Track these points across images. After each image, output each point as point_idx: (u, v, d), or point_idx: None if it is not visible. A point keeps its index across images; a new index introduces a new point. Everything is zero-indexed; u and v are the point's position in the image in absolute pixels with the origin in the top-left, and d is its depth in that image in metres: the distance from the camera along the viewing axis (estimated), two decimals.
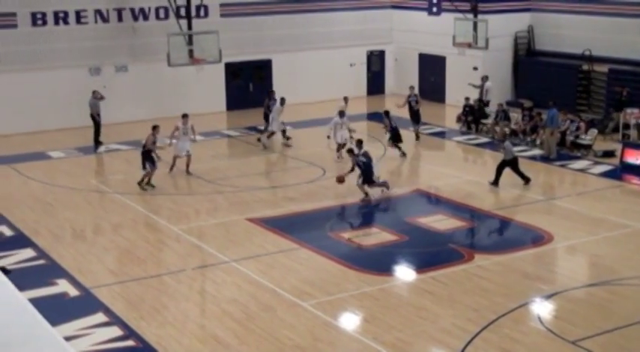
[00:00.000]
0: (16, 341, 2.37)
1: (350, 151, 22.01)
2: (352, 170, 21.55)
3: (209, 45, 28.31)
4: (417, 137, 28.22)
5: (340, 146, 25.52)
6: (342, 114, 26.07)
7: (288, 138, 27.74)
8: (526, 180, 22.53)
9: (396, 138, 25.78)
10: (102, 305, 14.85)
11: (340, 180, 21.51)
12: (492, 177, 22.50)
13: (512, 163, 22.66)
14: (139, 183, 22.62)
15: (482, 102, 30.56)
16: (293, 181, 23.45)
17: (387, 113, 26.39)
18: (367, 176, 21.26)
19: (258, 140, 27.91)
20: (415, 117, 28.45)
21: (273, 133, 27.63)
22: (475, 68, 33.45)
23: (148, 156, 22.58)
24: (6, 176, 24.34)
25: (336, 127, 25.89)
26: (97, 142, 28.04)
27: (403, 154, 25.68)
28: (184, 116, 24.27)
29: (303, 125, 30.72)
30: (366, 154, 21.69)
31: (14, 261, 17.05)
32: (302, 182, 23.32)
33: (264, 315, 14.36)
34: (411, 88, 29.19)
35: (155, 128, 22.98)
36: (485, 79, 31.52)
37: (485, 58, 32.93)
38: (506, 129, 28.40)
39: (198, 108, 32.07)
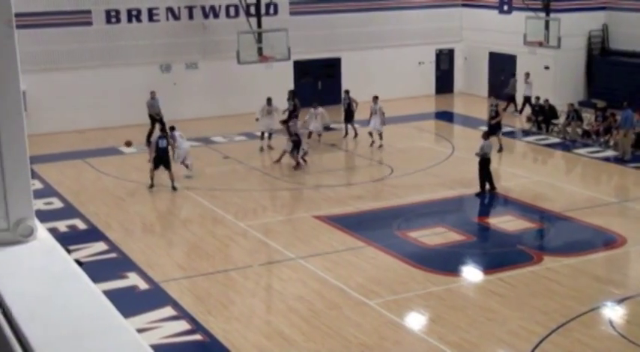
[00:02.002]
0: (90, 332, 2.40)
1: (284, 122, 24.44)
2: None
3: (278, 43, 28.47)
4: (501, 148, 26.28)
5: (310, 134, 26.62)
6: (269, 101, 26.88)
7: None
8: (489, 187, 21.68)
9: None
10: (170, 299, 15.05)
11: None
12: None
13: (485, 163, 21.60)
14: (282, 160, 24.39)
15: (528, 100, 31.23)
16: (360, 179, 23.43)
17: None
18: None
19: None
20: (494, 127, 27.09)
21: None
22: (546, 67, 32.92)
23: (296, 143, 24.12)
24: (80, 170, 24.85)
25: (310, 117, 27.05)
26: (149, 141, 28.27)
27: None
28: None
29: None
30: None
31: (87, 253, 17.40)
32: (370, 180, 23.28)
33: (330, 313, 14.37)
34: (493, 98, 28.42)
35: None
36: (528, 75, 31.75)
37: (557, 57, 32.38)
38: (578, 130, 27.90)
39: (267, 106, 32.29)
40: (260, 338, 13.50)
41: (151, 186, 22.39)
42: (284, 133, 25.03)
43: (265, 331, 13.80)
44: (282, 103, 27.97)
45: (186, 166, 23.37)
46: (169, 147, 22.46)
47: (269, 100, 26.99)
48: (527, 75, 31.98)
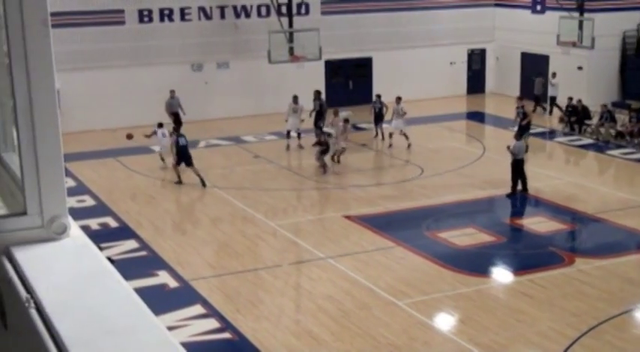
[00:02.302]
0: (122, 329, 2.42)
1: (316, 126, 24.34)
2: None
3: (309, 42, 28.50)
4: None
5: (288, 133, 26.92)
6: (295, 99, 27.17)
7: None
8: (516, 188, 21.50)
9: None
10: (200, 298, 15.13)
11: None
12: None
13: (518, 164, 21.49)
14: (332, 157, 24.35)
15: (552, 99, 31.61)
16: (391, 179, 23.38)
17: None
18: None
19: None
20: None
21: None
22: (580, 68, 32.63)
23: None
24: (112, 169, 25.05)
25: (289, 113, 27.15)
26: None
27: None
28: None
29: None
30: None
31: (119, 251, 17.53)
32: (400, 180, 23.22)
33: (360, 313, 14.36)
34: (518, 100, 27.74)
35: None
36: (554, 75, 31.80)
37: (591, 57, 32.07)
38: (612, 131, 27.63)
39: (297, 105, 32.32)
40: (289, 338, 13.53)
41: (179, 182, 22.75)
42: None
43: (294, 330, 13.82)
44: (308, 103, 27.98)
45: (162, 159, 24.48)
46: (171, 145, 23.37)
47: (295, 98, 27.12)
48: (554, 75, 31.89)
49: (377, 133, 28.35)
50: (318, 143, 24.00)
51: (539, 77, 32.87)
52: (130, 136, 24.19)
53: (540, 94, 32.51)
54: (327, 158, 23.91)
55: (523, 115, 26.25)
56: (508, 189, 21.33)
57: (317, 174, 23.91)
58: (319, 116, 27.47)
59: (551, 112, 31.74)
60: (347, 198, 21.61)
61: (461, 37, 36.01)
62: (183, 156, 22.77)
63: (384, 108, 28.05)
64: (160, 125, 24.93)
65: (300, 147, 26.67)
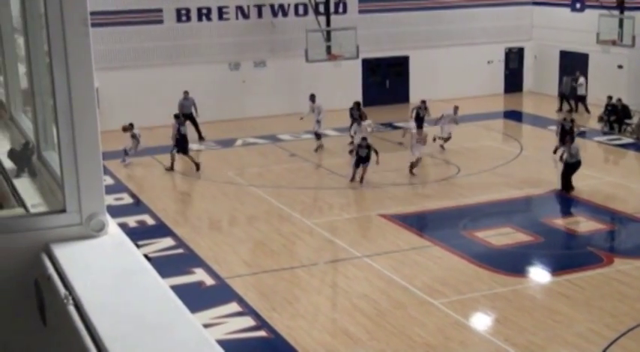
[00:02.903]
0: (158, 325, 2.44)
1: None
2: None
3: (347, 41, 28.49)
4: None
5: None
6: (312, 97, 27.07)
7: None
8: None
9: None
10: (236, 295, 15.19)
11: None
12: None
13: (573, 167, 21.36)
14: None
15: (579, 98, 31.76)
16: (427, 178, 23.30)
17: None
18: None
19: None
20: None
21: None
22: (620, 66, 32.25)
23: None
24: (149, 167, 25.24)
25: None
26: (200, 138, 28.36)
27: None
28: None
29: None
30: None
31: (156, 249, 17.67)
32: (437, 179, 23.13)
33: (395, 312, 14.34)
34: (567, 113, 27.41)
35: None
36: (579, 75, 31.93)
37: (632, 56, 31.67)
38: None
39: (334, 104, 32.25)
40: (324, 336, 13.54)
41: (171, 168, 24.20)
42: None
43: (330, 329, 13.83)
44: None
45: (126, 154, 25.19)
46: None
47: (312, 97, 26.99)
48: (579, 75, 31.90)
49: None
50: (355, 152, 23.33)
51: (569, 76, 32.62)
52: (126, 129, 24.80)
53: (568, 93, 32.32)
54: (368, 170, 22.61)
55: (570, 129, 24.91)
56: (545, 188, 21.12)
57: None
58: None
59: (576, 110, 31.50)
60: (383, 196, 21.57)
61: (498, 36, 35.76)
62: (181, 143, 24.10)
63: (425, 113, 27.70)
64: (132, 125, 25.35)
65: (321, 147, 26.52)
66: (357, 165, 22.65)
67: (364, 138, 22.84)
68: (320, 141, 26.65)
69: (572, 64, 34.39)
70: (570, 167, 21.38)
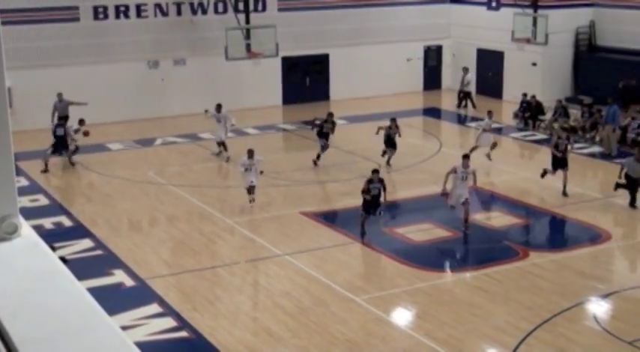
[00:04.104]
0: (74, 329, 2.41)
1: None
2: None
3: (266, 39, 28.45)
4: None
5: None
6: (218, 108, 25.25)
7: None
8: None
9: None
10: (157, 296, 15.05)
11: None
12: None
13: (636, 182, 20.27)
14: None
15: (466, 94, 32.77)
16: (348, 176, 23.45)
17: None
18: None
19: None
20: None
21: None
22: (534, 64, 33.04)
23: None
24: (67, 167, 24.77)
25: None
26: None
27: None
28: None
29: (360, 120, 30.66)
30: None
31: (73, 251, 17.36)
32: (357, 176, 23.29)
33: (317, 309, 14.41)
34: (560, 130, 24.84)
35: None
36: (465, 70, 32.98)
37: (545, 53, 32.50)
38: (565, 126, 28.01)
39: (254, 102, 32.30)
40: (246, 335, 13.53)
41: (45, 170, 23.93)
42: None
43: (252, 328, 13.82)
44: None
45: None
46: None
47: (218, 107, 25.33)
48: (466, 70, 33.20)
49: (388, 161, 24.20)
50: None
51: (467, 72, 33.60)
52: (86, 133, 24.31)
53: (463, 89, 33.41)
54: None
55: (564, 149, 22.30)
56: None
57: (275, 171, 23.88)
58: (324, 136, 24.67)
59: (465, 105, 32.80)
60: (304, 194, 21.63)
61: (417, 34, 36.22)
62: (57, 146, 24.04)
63: (398, 134, 24.12)
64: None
65: (219, 154, 25.41)
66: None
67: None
68: (227, 152, 24.96)
69: (489, 62, 35.11)
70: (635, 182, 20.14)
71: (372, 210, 18.26)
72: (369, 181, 18.48)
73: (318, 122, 25.83)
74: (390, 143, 24.01)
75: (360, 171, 23.79)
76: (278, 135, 29.62)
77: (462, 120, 31.64)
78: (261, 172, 20.91)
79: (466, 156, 19.50)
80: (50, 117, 26.09)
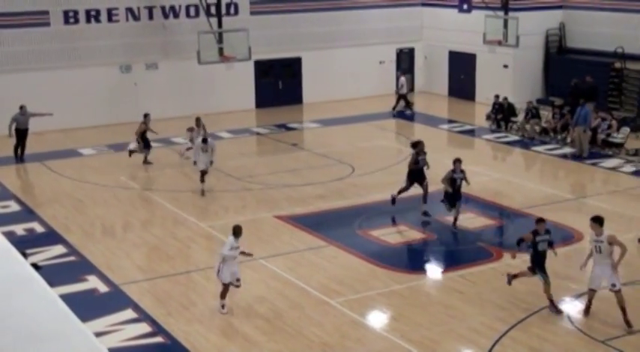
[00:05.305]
0: (46, 336, 2.39)
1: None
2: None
3: (239, 43, 28.39)
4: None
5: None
6: (204, 140, 22.30)
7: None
8: None
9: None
10: (131, 302, 14.96)
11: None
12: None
13: None
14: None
15: (401, 96, 33.02)
16: (322, 179, 23.46)
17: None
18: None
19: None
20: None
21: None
22: (505, 66, 33.26)
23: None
24: (38, 173, 24.58)
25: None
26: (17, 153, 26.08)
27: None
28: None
29: (333, 123, 30.71)
30: None
31: (45, 257, 17.22)
32: (331, 179, 23.32)
33: (292, 313, 14.39)
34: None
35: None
36: (400, 74, 33.63)
37: (516, 55, 32.74)
38: (537, 127, 28.22)
39: (227, 106, 32.27)
40: (221, 339, 13.48)
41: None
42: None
43: (227, 332, 13.78)
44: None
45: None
46: None
47: (205, 140, 22.29)
48: (403, 72, 33.24)
49: (455, 222, 19.27)
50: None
51: (404, 76, 34.08)
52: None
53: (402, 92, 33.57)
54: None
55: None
56: (437, 186, 21.40)
57: (249, 175, 23.84)
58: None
59: (394, 108, 33.05)
60: (278, 198, 21.61)
61: (389, 37, 36.36)
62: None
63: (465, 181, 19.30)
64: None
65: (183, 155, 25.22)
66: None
67: None
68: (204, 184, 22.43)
69: (461, 64, 35.29)
70: None
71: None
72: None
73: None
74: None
75: (333, 174, 23.83)
76: (251, 138, 29.57)
77: (410, 118, 31.67)
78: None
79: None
80: (7, 128, 25.58)
